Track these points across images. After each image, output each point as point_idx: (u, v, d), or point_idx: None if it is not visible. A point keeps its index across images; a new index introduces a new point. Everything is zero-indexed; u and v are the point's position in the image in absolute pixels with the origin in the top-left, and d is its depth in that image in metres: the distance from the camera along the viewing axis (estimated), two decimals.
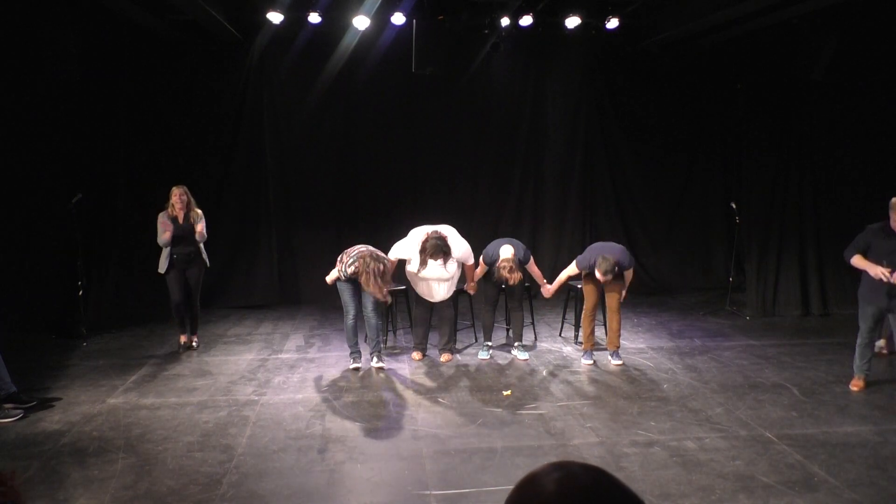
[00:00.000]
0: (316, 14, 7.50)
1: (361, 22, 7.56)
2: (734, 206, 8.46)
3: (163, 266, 6.44)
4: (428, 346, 6.59)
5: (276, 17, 7.55)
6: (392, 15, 7.52)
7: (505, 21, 7.81)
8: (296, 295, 8.87)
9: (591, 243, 9.69)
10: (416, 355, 6.43)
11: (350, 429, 4.78)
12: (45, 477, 4.02)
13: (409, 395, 5.49)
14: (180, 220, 6.41)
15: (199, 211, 6.56)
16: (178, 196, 6.40)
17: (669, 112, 9.30)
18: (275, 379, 5.87)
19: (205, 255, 6.61)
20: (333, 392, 5.53)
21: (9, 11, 6.63)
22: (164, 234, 6.37)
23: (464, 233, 8.50)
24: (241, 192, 8.62)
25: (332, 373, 6.05)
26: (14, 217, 7.02)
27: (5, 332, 6.39)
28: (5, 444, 4.51)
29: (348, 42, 8.29)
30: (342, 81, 8.56)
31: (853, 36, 7.40)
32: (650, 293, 9.32)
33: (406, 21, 7.66)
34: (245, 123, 8.55)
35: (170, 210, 6.42)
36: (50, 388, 5.57)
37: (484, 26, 8.05)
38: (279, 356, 6.57)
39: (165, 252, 6.43)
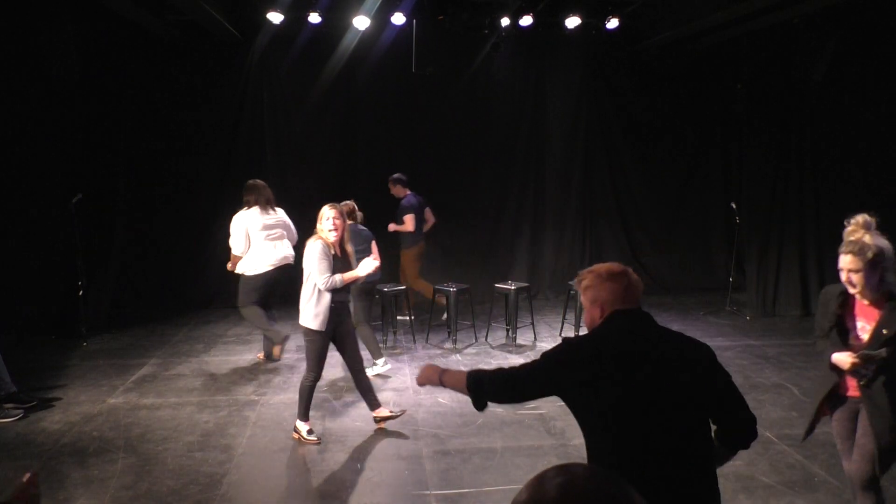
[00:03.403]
0: (316, 14, 7.50)
1: (361, 22, 7.56)
2: (734, 206, 8.46)
3: (321, 319, 4.47)
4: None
5: (276, 17, 7.55)
6: (392, 15, 7.51)
7: (505, 21, 7.80)
8: (296, 295, 8.84)
9: (591, 243, 9.82)
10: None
11: (350, 429, 4.78)
12: (45, 477, 4.02)
13: (409, 395, 5.49)
14: (338, 253, 4.60)
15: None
16: (334, 219, 4.51)
17: (669, 112, 9.29)
18: (275, 379, 5.87)
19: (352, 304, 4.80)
20: (333, 392, 5.53)
21: (9, 11, 6.62)
22: (343, 273, 4.48)
23: (464, 232, 8.52)
24: (242, 191, 8.60)
25: (332, 373, 6.04)
26: (14, 217, 7.01)
27: (5, 332, 6.39)
28: (5, 444, 4.51)
29: (348, 42, 8.28)
30: (342, 81, 8.55)
31: (853, 36, 7.40)
32: (650, 293, 9.31)
33: (406, 21, 7.66)
34: (245, 123, 8.55)
35: (332, 238, 4.51)
36: (50, 388, 5.56)
37: (484, 26, 8.05)
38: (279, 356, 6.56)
39: (325, 301, 4.49)
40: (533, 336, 7.20)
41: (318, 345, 4.48)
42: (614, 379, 1.90)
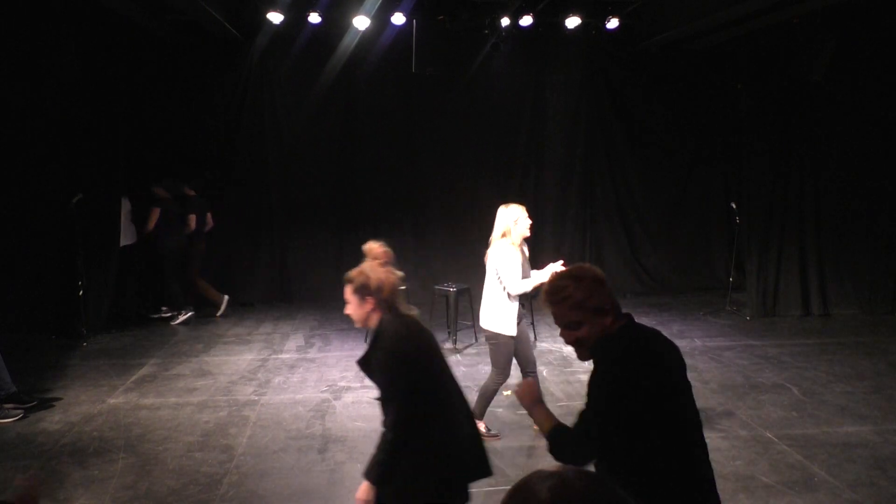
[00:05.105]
0: (316, 14, 7.51)
1: (361, 22, 7.56)
2: (734, 206, 8.46)
3: (512, 324, 4.38)
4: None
5: (276, 17, 7.55)
6: (392, 15, 7.52)
7: (505, 21, 7.80)
8: (296, 295, 8.86)
9: (591, 243, 9.83)
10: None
11: (350, 429, 4.78)
12: (44, 477, 4.02)
13: None
14: (527, 254, 4.57)
15: None
16: (526, 216, 4.47)
17: (669, 112, 9.29)
18: (275, 379, 5.87)
19: None
20: (333, 392, 5.53)
21: (8, 11, 6.62)
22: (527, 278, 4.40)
23: (464, 232, 8.50)
24: (242, 191, 8.62)
25: (332, 373, 6.05)
26: (14, 217, 7.01)
27: (5, 332, 6.39)
28: (5, 444, 4.51)
29: (348, 42, 8.29)
30: (342, 82, 8.56)
31: (853, 36, 7.40)
32: (650, 293, 9.31)
33: (406, 21, 7.66)
34: (245, 123, 8.55)
35: (527, 234, 4.51)
36: (50, 388, 5.56)
37: (484, 26, 8.05)
38: (279, 356, 6.57)
39: (515, 306, 4.41)
40: (533, 336, 7.20)
41: (508, 348, 4.40)
42: (661, 384, 1.92)
